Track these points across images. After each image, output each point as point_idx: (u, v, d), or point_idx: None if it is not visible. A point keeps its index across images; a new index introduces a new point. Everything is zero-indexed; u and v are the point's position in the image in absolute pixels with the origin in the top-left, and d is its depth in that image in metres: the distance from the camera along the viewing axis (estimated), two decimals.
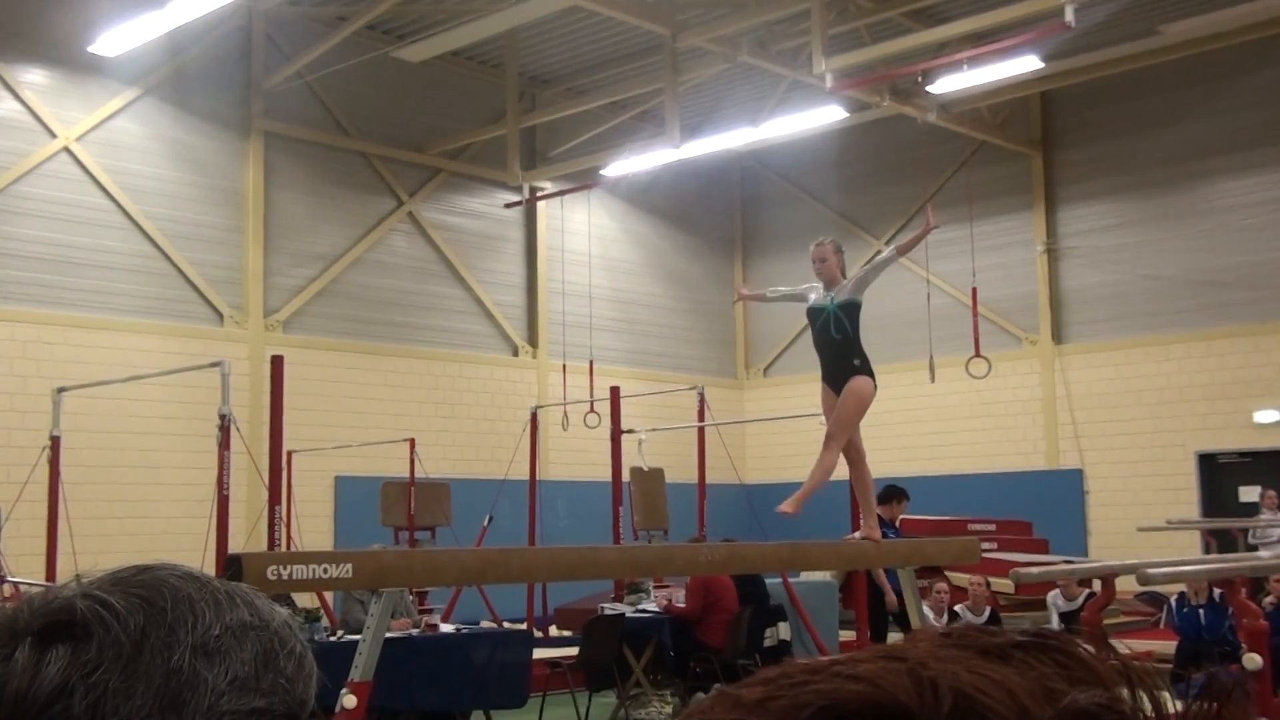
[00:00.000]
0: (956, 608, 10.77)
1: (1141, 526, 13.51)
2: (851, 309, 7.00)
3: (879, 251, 7.24)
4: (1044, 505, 16.05)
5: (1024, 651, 0.44)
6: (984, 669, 0.42)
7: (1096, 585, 9.71)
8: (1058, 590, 10.74)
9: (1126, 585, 9.62)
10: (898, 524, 10.40)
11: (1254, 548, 13.02)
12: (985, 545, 10.64)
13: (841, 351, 7.01)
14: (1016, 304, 17.36)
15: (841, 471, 7.19)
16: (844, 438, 7.00)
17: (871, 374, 7.08)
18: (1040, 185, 17.42)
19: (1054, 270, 17.27)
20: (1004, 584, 11.83)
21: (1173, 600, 10.47)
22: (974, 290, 14.34)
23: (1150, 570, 6.23)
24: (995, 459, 17.20)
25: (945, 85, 14.61)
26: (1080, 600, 10.25)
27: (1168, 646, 9.68)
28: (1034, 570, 7.90)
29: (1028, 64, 14.18)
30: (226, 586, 0.79)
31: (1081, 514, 16.55)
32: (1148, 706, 0.44)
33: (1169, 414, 16.06)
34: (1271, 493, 13.53)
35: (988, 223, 17.34)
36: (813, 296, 7.11)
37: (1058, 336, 17.16)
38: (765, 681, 0.45)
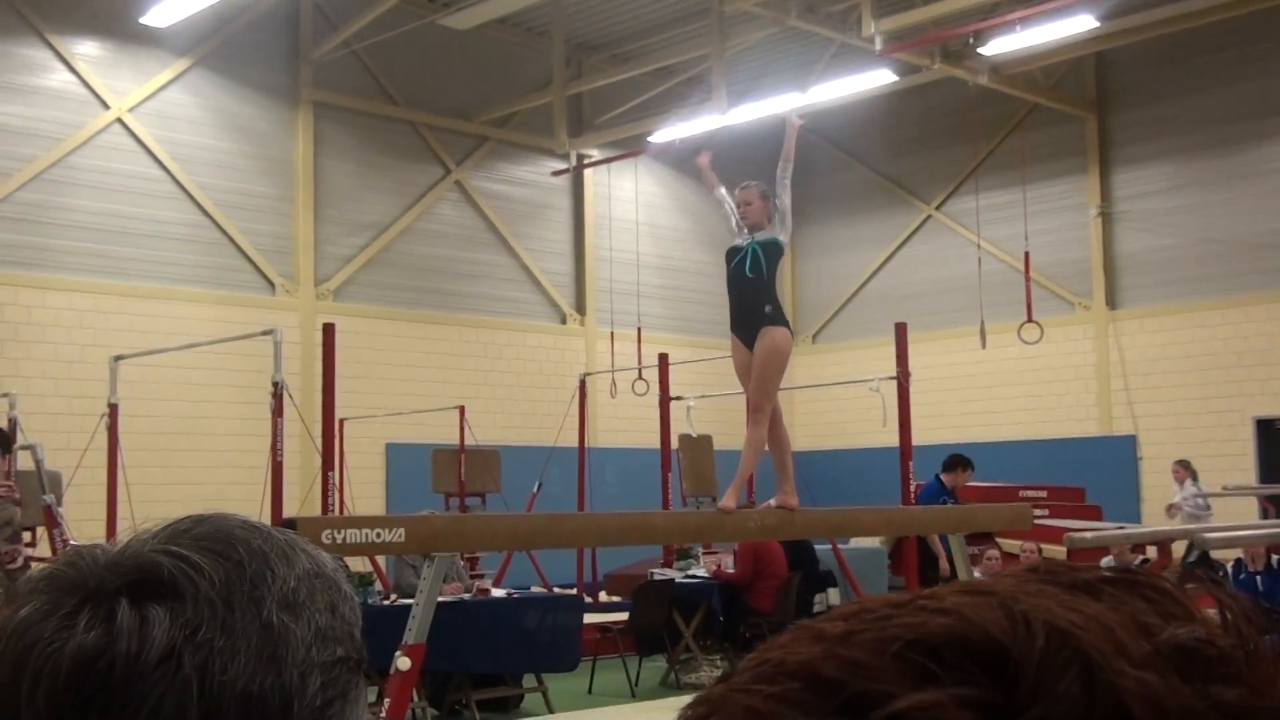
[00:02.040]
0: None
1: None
2: (772, 249, 6.47)
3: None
4: (1097, 472, 15.87)
5: (1113, 587, 0.43)
6: (1076, 604, 0.41)
7: (1151, 551, 9.61)
8: (1111, 557, 10.64)
9: (1181, 551, 9.51)
10: (958, 491, 10.35)
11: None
12: (1037, 512, 10.57)
13: (753, 294, 6.46)
14: (1069, 269, 17.13)
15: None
16: (770, 405, 6.52)
17: (786, 323, 6.54)
18: (1094, 148, 17.14)
19: (1108, 234, 17.01)
20: (1056, 550, 11.73)
21: (1229, 566, 10.35)
22: (1026, 255, 14.16)
23: (1208, 535, 6.15)
24: (1047, 425, 17.04)
25: (997, 47, 14.39)
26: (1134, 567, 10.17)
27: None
28: (1088, 535, 7.83)
29: (1082, 24, 13.92)
30: (283, 535, 0.79)
31: (1135, 480, 16.37)
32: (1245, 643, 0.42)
33: (1225, 379, 15.81)
34: (1178, 464, 13.41)
35: (1040, 186, 17.10)
36: (738, 240, 6.63)
37: (1111, 301, 16.92)
38: (846, 616, 0.44)
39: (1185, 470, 13.23)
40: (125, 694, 0.67)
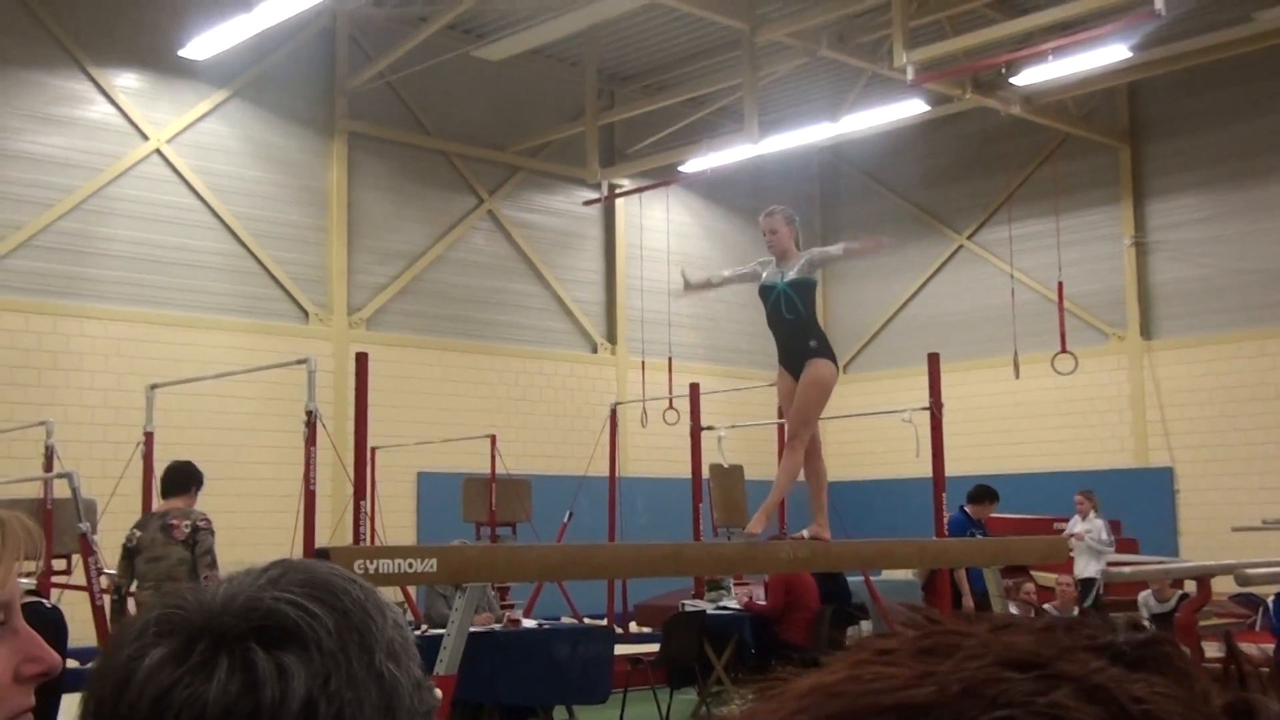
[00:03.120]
0: (1044, 608, 10.59)
1: (1236, 526, 13.16)
2: (804, 288, 6.56)
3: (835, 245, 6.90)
4: (1133, 504, 15.68)
5: (1149, 653, 0.41)
6: (1152, 686, 0.39)
7: (1190, 586, 9.49)
8: (1150, 591, 10.51)
9: (1220, 586, 9.38)
10: (985, 523, 10.27)
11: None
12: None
13: (796, 332, 6.56)
14: (1103, 299, 17.02)
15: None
16: (808, 433, 6.52)
17: (831, 355, 6.60)
18: (1128, 177, 17.05)
19: (1142, 264, 16.89)
20: None
21: (1270, 601, 10.19)
22: (1060, 285, 14.09)
23: (1250, 570, 6.06)
24: (1082, 456, 16.87)
25: (1029, 77, 14.36)
26: (1173, 602, 10.02)
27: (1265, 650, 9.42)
28: (1126, 570, 7.74)
29: (1115, 54, 13.87)
30: (368, 584, 0.79)
31: (1172, 513, 16.17)
32: None
33: (1264, 410, 15.63)
34: (1082, 494, 12.69)
35: (1073, 216, 17.02)
36: (765, 274, 6.69)
37: (1146, 332, 16.78)
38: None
39: (1089, 501, 12.73)
40: None
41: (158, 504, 7.56)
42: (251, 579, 0.75)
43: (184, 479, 7.34)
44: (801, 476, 6.71)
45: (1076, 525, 12.35)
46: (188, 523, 7.02)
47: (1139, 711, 0.38)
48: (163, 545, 6.99)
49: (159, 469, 10.52)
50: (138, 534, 7.18)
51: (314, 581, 0.74)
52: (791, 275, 6.58)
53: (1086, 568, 11.07)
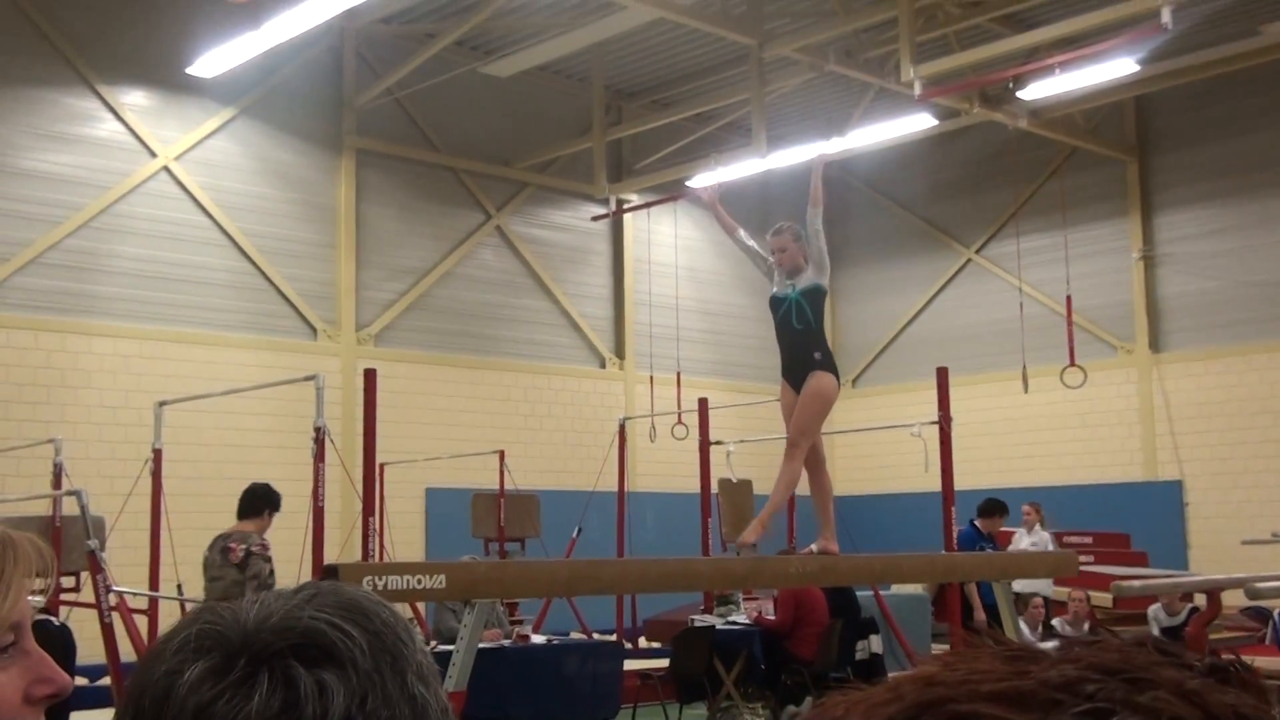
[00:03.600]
0: (1054, 622, 10.56)
1: (1246, 540, 13.11)
2: (815, 296, 6.53)
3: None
4: (1142, 518, 15.65)
5: (1236, 678, 0.44)
6: (1242, 701, 0.43)
7: (1199, 600, 9.44)
8: (1159, 605, 10.47)
9: (1230, 600, 9.33)
10: (996, 537, 10.24)
11: None
12: (1082, 558, 10.41)
13: (802, 343, 6.53)
14: (1112, 312, 16.99)
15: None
16: (808, 443, 6.50)
17: (834, 369, 6.57)
18: (1136, 191, 17.04)
19: (1151, 277, 16.87)
20: (1102, 598, 11.57)
21: (1277, 615, 10.16)
22: (1068, 299, 14.08)
23: (1260, 584, 6.04)
24: (1091, 470, 16.83)
25: (1036, 91, 14.36)
26: (1183, 615, 9.98)
27: (1275, 663, 9.37)
28: (1137, 583, 7.71)
29: (1122, 68, 13.87)
30: (392, 606, 0.79)
31: (1181, 527, 16.12)
32: None
33: (1273, 423, 15.58)
34: (1030, 506, 12.24)
35: (1081, 230, 17.01)
36: (775, 286, 6.67)
37: (1155, 345, 16.75)
38: None
39: (1036, 513, 12.25)
40: None
41: (231, 524, 7.76)
42: (284, 599, 0.75)
43: (255, 502, 7.53)
44: (807, 491, 6.70)
45: (1022, 539, 12.05)
46: (243, 546, 7.23)
47: (1232, 713, 0.42)
48: (219, 566, 7.25)
49: (168, 485, 10.58)
50: (206, 553, 7.46)
51: (346, 603, 0.75)
52: (804, 284, 6.58)
53: (1033, 582, 10.49)
